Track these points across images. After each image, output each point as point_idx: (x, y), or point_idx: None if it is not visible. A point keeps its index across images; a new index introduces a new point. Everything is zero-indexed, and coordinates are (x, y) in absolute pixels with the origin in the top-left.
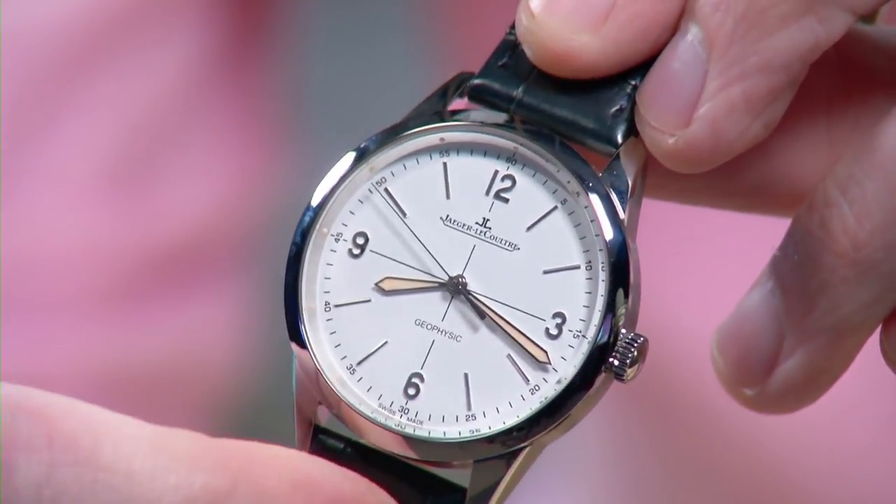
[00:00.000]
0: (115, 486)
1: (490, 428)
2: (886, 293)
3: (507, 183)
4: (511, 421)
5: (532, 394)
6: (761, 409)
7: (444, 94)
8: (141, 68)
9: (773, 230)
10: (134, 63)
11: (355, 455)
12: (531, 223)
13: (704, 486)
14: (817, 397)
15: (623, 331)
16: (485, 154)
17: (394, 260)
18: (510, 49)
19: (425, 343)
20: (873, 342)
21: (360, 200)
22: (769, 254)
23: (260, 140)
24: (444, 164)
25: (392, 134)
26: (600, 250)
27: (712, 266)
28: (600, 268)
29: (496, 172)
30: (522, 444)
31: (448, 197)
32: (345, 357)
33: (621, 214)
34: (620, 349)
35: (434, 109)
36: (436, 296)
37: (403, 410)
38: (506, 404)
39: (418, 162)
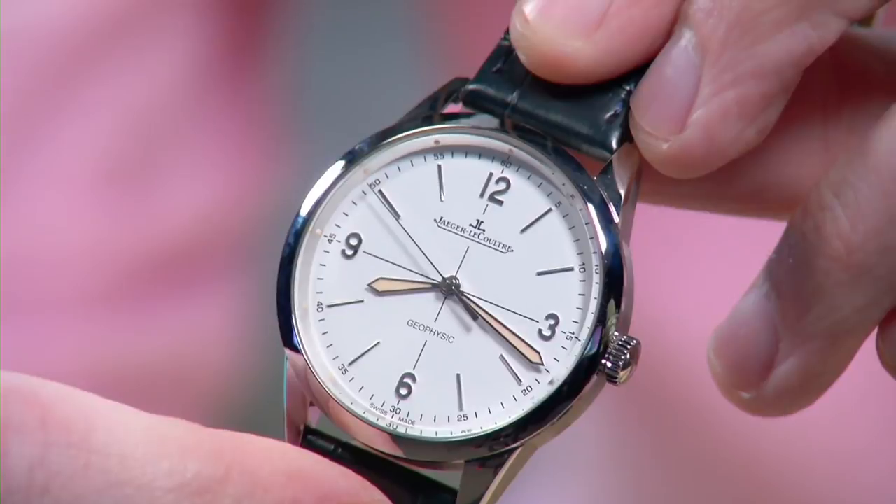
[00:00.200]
0: (107, 468)
1: (482, 428)
2: (881, 296)
3: (502, 185)
4: (503, 422)
5: (524, 395)
6: (758, 413)
7: (437, 100)
8: (140, 69)
9: (769, 229)
10: (133, 63)
11: (346, 456)
12: (525, 225)
13: (702, 486)
14: (813, 400)
15: (616, 333)
16: (479, 156)
17: (387, 261)
18: (505, 54)
19: (418, 343)
20: (873, 342)
21: (353, 202)
22: (766, 252)
23: (259, 141)
24: (439, 166)
25: (385, 136)
26: (594, 253)
27: (708, 264)
28: (594, 270)
29: (491, 175)
30: (514, 445)
31: (442, 199)
32: (337, 357)
33: (616, 218)
34: (613, 352)
35: (427, 114)
36: (429, 297)
37: (395, 410)
38: (498, 405)
39: (412, 164)
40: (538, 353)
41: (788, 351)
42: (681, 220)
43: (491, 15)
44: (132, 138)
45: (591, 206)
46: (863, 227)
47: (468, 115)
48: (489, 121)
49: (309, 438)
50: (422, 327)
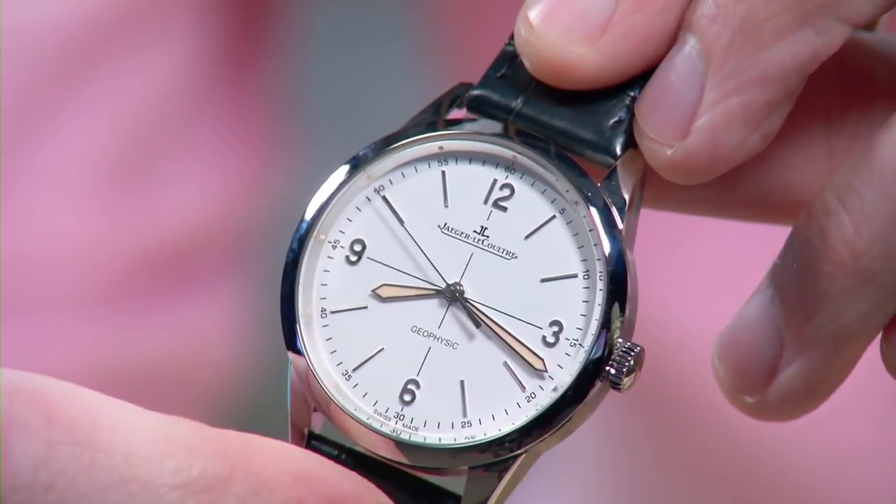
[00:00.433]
0: (112, 467)
1: (486, 435)
2: (886, 301)
3: (506, 192)
4: (507, 428)
5: (528, 401)
6: (761, 417)
7: (441, 105)
8: (140, 69)
9: (771, 231)
10: (133, 64)
11: (350, 462)
12: (529, 232)
13: (703, 486)
14: (817, 405)
15: (620, 340)
16: (483, 163)
17: (391, 267)
18: (509, 60)
19: (422, 350)
20: (874, 343)
21: (357, 208)
22: (767, 253)
23: (259, 141)
24: (443, 173)
25: (390, 142)
26: (598, 259)
27: (711, 266)
28: (598, 277)
29: (495, 181)
30: (518, 452)
31: (446, 205)
32: (340, 363)
33: (619, 224)
34: (617, 358)
35: (431, 120)
36: (433, 303)
37: (399, 416)
38: (502, 412)
39: (417, 170)
40: (542, 359)
41: (792, 356)
42: (682, 221)
43: (491, 15)
44: (132, 138)
45: (594, 213)
46: (867, 233)
47: (472, 121)
48: (493, 126)
49: (312, 444)
50: (426, 333)
